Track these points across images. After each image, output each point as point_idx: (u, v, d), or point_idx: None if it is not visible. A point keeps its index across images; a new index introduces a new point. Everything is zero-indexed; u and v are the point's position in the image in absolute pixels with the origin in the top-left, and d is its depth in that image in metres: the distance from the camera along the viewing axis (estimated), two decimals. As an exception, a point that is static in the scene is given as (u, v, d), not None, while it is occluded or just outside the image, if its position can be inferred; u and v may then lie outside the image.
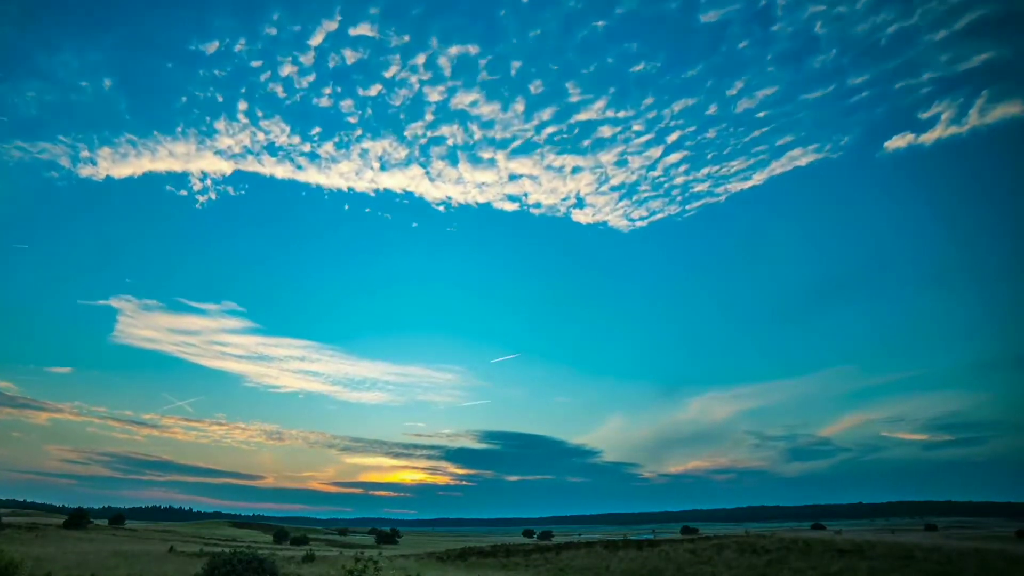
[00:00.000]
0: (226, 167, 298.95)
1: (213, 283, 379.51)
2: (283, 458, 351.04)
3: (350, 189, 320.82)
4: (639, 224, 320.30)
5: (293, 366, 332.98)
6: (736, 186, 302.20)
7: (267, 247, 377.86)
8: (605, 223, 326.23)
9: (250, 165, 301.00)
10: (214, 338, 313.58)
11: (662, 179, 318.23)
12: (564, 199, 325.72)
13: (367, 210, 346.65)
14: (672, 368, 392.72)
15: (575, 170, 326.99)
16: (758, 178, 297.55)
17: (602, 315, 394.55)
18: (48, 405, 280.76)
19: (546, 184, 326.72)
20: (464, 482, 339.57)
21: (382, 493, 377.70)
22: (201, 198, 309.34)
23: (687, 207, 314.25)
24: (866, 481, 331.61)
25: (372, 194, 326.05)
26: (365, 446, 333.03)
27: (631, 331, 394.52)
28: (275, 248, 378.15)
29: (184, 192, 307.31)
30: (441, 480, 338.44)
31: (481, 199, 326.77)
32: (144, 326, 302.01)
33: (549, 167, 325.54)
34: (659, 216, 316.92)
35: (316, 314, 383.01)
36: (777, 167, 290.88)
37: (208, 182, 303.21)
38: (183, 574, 21.98)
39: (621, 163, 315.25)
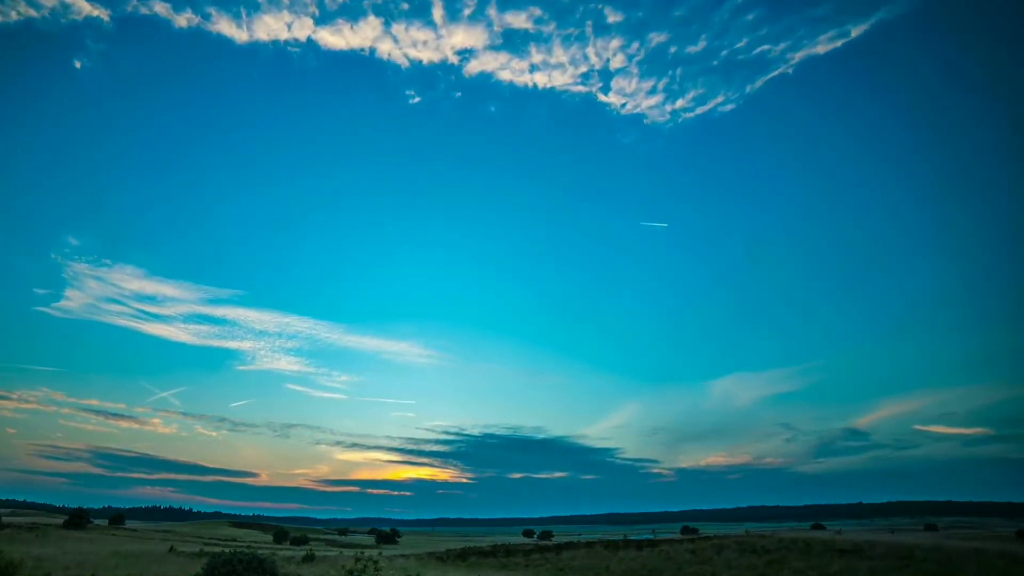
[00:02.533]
0: (103, 13, 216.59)
1: (140, 219, 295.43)
2: (275, 454, 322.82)
3: (276, 43, 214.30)
4: (686, 116, 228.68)
5: (271, 343, 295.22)
6: (823, 47, 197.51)
7: (177, 184, 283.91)
8: (641, 116, 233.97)
9: (139, 7, 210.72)
10: (178, 310, 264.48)
11: (718, 42, 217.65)
12: (586, 75, 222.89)
13: (307, 94, 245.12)
14: (696, 346, 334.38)
15: (600, 29, 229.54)
16: (857, 31, 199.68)
17: (623, 281, 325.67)
18: (13, 395, 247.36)
19: (559, 50, 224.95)
20: (465, 479, 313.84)
21: (379, 491, 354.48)
22: (84, 69, 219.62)
23: (747, 87, 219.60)
24: (898, 480, 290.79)
25: (313, 59, 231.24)
26: (360, 441, 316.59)
27: (651, 298, 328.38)
28: (190, 177, 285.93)
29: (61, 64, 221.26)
30: (440, 476, 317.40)
31: (467, 72, 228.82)
32: (89, 293, 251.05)
33: (560, 16, 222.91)
34: (709, 105, 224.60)
35: (267, 269, 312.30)
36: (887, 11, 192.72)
37: (87, 42, 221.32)
38: (183, 574, 21.98)
39: (662, 12, 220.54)
